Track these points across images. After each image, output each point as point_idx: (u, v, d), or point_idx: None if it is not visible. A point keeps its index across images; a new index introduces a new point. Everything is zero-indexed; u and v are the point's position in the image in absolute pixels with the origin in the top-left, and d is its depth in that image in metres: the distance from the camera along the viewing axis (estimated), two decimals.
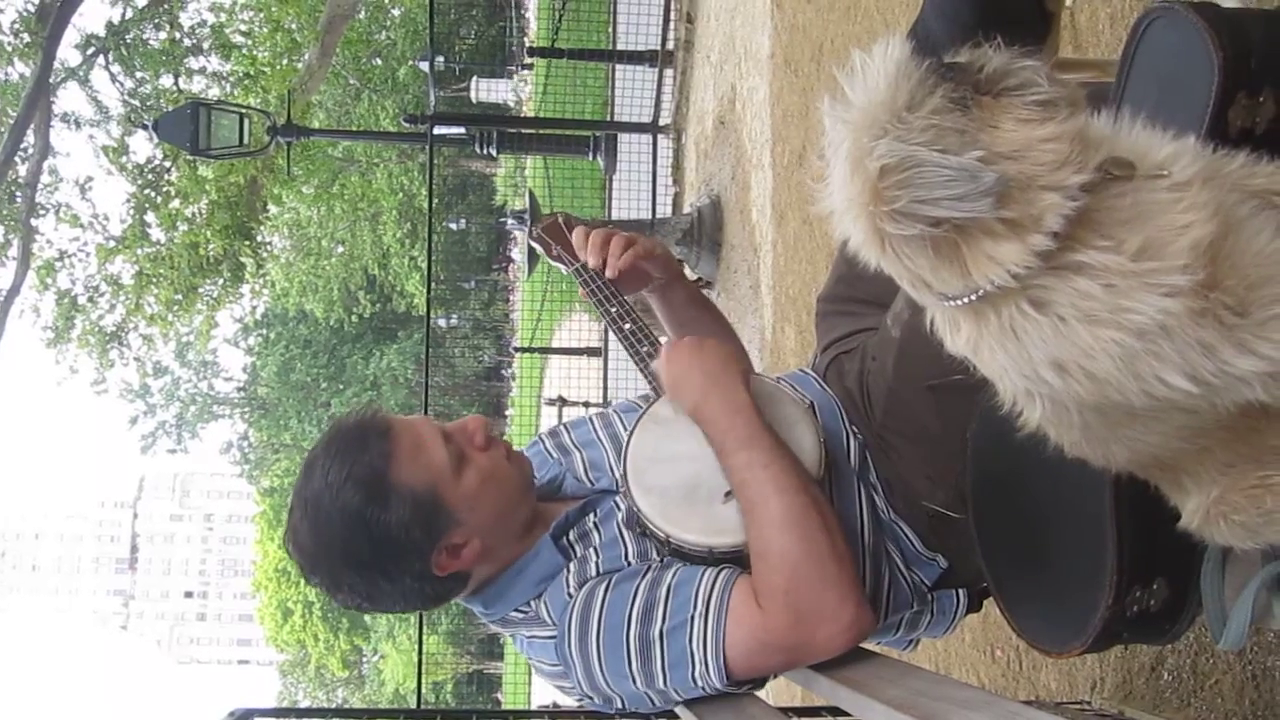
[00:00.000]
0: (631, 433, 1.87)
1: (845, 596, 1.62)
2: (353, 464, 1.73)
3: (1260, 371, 1.13)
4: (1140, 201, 1.15)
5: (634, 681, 1.70)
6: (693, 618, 1.66)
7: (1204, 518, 1.34)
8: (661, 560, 1.78)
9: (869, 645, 1.83)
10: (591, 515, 1.89)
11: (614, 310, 2.01)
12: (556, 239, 2.19)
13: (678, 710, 1.77)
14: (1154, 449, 1.29)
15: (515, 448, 1.92)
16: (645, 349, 1.96)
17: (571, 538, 1.86)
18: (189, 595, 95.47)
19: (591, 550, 1.83)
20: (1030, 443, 1.35)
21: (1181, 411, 1.21)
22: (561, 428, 2.10)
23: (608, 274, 2.04)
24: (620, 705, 1.76)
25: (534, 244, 2.23)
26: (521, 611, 1.85)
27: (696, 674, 1.66)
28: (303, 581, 1.89)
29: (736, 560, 1.71)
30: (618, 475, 1.90)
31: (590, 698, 1.78)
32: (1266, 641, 2.21)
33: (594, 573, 1.79)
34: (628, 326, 1.98)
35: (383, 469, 1.73)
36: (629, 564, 1.79)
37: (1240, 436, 1.28)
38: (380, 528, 1.71)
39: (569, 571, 1.81)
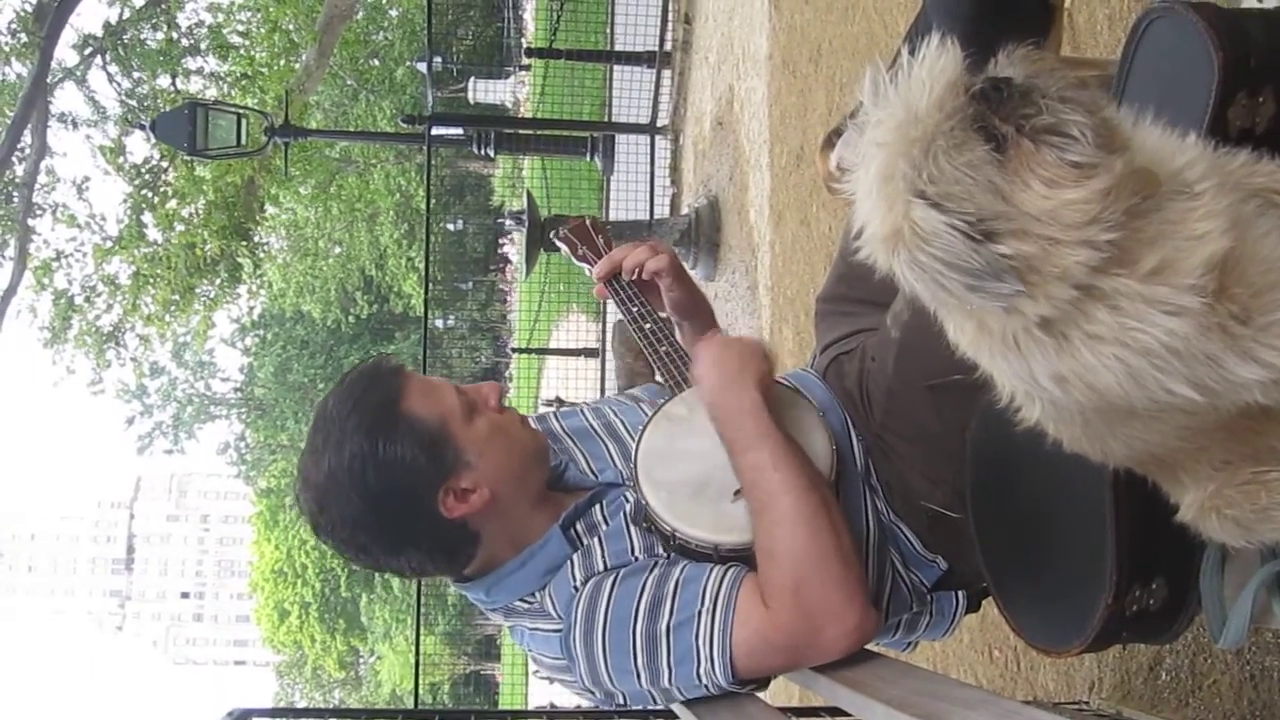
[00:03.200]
0: (644, 428, 1.88)
1: (852, 597, 1.62)
2: (363, 393, 1.76)
3: (1261, 379, 1.13)
4: (1164, 219, 1.14)
5: (638, 678, 1.69)
6: (699, 614, 1.66)
7: (1199, 512, 1.34)
8: (668, 556, 1.78)
9: (868, 645, 1.83)
10: (600, 507, 1.89)
11: (635, 310, 2.02)
12: (583, 240, 2.22)
13: (676, 710, 1.77)
14: (1152, 447, 1.29)
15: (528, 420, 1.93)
16: (664, 349, 1.97)
17: (580, 528, 1.87)
18: (185, 596, 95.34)
19: (597, 541, 1.82)
20: (1029, 443, 1.35)
21: (1181, 413, 1.21)
22: (549, 414, 2.10)
23: (624, 276, 2.06)
24: (622, 702, 1.76)
25: (559, 244, 2.26)
26: (526, 602, 1.85)
27: (702, 671, 1.65)
28: (312, 534, 1.87)
29: (742, 559, 1.72)
30: (625, 469, 1.91)
31: (591, 692, 1.77)
32: (1265, 641, 2.21)
33: (600, 566, 1.79)
34: (648, 326, 1.99)
35: (393, 398, 1.76)
36: (635, 559, 1.79)
37: (1237, 436, 1.27)
38: (387, 455, 1.72)
39: (574, 564, 1.80)
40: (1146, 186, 1.14)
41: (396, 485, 1.74)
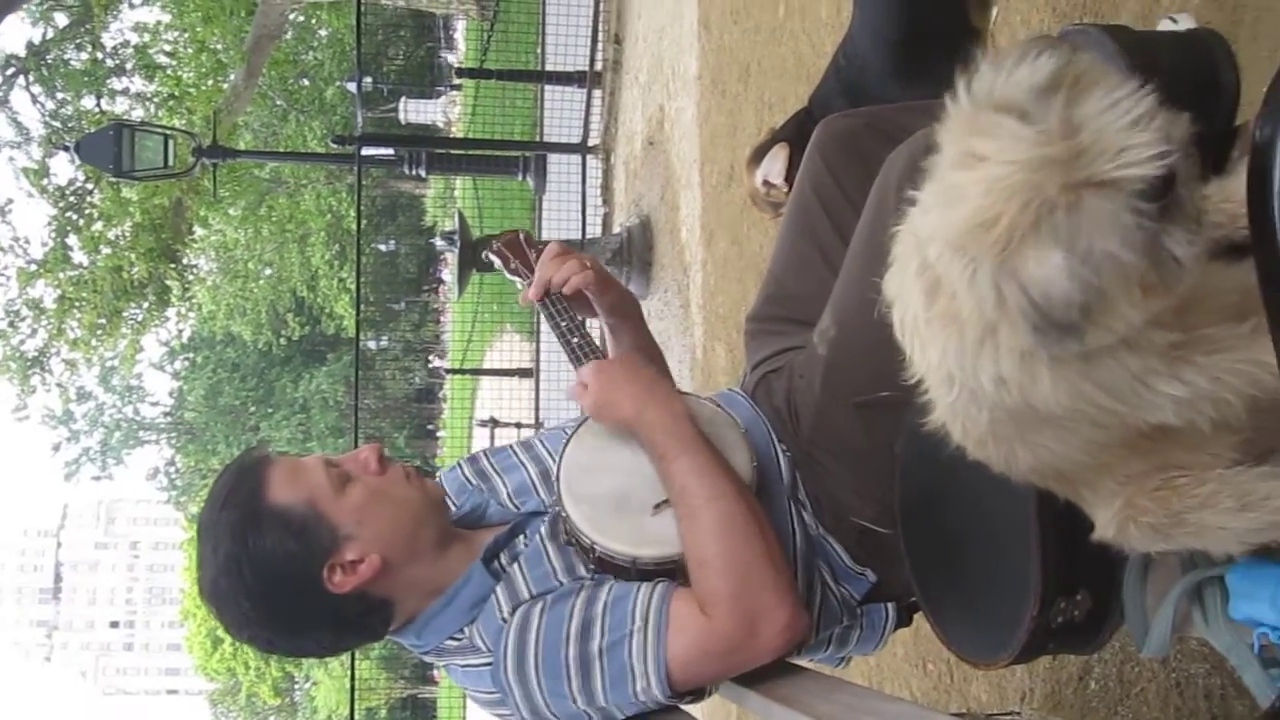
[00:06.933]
0: (567, 442, 1.88)
1: (783, 598, 1.65)
2: (227, 496, 1.76)
3: (1178, 396, 1.15)
4: None
5: (574, 701, 1.69)
6: (632, 633, 1.66)
7: (1118, 526, 1.37)
8: (590, 575, 1.79)
9: (801, 661, 1.84)
10: (521, 537, 1.89)
11: (564, 324, 2.02)
12: (515, 254, 2.21)
13: None
14: (1057, 459, 1.31)
15: (418, 472, 1.92)
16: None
17: (503, 560, 1.86)
18: (115, 625, 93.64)
19: (518, 568, 1.82)
20: (956, 460, 1.36)
21: (1091, 425, 1.23)
22: (481, 454, 2.10)
23: (553, 289, 2.05)
24: None
25: (493, 257, 2.25)
26: (455, 639, 1.84)
27: (638, 688, 1.66)
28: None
29: (662, 573, 1.73)
30: (547, 494, 1.91)
31: None
32: (1189, 649, 2.25)
33: (525, 594, 1.79)
34: (575, 340, 1.99)
35: (255, 495, 1.75)
36: (559, 582, 1.79)
37: (1138, 454, 1.30)
38: (257, 551, 1.72)
39: (499, 596, 1.80)
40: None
41: (276, 577, 1.73)
